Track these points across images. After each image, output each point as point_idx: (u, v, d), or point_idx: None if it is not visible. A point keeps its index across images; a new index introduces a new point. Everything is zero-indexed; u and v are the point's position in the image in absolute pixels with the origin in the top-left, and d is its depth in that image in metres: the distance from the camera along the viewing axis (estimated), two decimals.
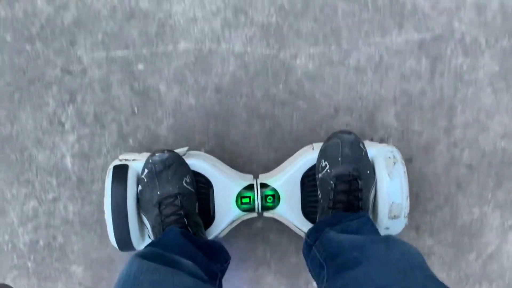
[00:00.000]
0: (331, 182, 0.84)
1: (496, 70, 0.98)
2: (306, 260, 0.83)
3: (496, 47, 0.97)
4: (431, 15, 0.97)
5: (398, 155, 0.90)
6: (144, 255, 0.65)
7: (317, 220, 0.88)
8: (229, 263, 0.87)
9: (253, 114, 1.00)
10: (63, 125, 0.99)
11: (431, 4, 0.96)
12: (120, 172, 0.87)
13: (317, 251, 0.76)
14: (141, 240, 0.90)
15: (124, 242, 0.87)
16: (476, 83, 0.98)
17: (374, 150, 0.91)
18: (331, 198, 0.83)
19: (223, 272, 0.85)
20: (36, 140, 0.99)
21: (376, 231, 0.78)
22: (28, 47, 0.97)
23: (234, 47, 0.97)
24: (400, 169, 0.88)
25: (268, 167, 1.00)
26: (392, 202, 0.86)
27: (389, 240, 0.65)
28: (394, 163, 0.88)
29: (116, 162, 0.89)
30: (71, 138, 1.00)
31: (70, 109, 0.98)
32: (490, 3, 0.96)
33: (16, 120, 0.98)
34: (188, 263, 0.71)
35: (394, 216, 0.87)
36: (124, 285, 0.59)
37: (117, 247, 0.88)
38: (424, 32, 0.97)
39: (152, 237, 0.87)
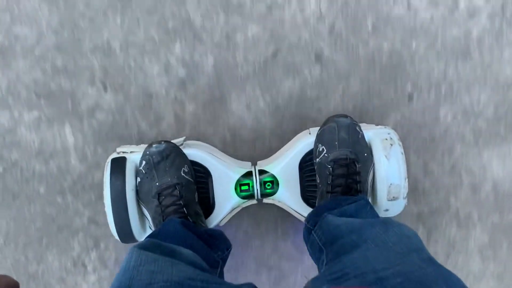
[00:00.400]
0: (329, 166, 0.84)
1: (486, 241, 1.08)
2: (307, 245, 0.84)
3: (487, 221, 1.07)
4: (430, 191, 1.06)
5: (395, 137, 0.90)
6: (143, 246, 0.66)
7: (316, 205, 0.88)
8: (230, 250, 0.88)
9: None
10: (85, 267, 1.06)
11: (431, 182, 1.05)
12: (118, 164, 0.87)
13: (316, 236, 0.76)
14: (143, 232, 0.90)
15: (125, 234, 0.88)
16: (466, 251, 1.08)
17: (371, 133, 0.90)
18: (329, 182, 0.83)
19: (224, 260, 0.85)
20: (60, 279, 1.06)
21: (374, 214, 0.78)
22: (59, 199, 1.04)
23: None
24: (397, 150, 0.88)
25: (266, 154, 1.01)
26: (391, 184, 0.86)
27: (386, 223, 0.65)
28: (391, 144, 0.88)
29: (114, 155, 0.90)
30: (92, 278, 1.06)
31: (93, 254, 1.05)
32: (484, 184, 1.06)
33: (42, 260, 1.05)
34: (188, 252, 0.71)
35: (393, 197, 0.87)
36: (123, 276, 0.59)
37: (118, 239, 0.89)
38: (422, 205, 1.06)
39: (153, 228, 0.88)
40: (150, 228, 0.90)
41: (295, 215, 0.95)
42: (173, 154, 0.87)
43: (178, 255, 0.67)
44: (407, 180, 0.88)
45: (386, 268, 0.53)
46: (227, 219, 0.95)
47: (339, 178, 0.83)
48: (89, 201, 1.03)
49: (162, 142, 0.88)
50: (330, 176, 0.83)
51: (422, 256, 0.57)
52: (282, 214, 0.99)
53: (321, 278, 0.61)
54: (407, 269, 0.52)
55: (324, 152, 0.86)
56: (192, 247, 0.74)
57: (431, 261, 0.55)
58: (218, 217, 0.93)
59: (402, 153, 0.88)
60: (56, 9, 0.97)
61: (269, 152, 1.00)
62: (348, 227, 0.69)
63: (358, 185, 0.83)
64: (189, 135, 1.00)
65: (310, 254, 0.83)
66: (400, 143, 0.89)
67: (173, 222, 0.80)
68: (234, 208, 0.94)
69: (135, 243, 0.72)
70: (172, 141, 0.90)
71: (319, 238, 0.75)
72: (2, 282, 0.42)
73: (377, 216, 0.79)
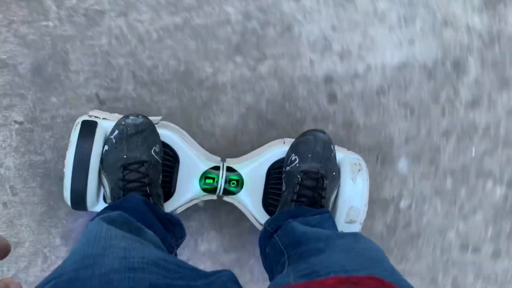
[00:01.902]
0: (299, 176, 0.85)
1: None
2: (263, 247, 0.84)
3: None
4: None
5: (363, 164, 0.93)
6: (111, 220, 0.63)
7: (277, 212, 0.89)
8: (184, 239, 0.86)
9: None
10: None
11: None
12: (89, 128, 0.84)
13: (279, 239, 0.77)
14: (96, 202, 0.86)
15: (79, 200, 0.83)
16: None
17: (342, 155, 0.93)
18: (296, 191, 0.85)
19: (177, 247, 0.84)
20: None
21: (336, 229, 0.80)
22: None
23: None
24: (364, 176, 0.91)
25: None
26: (352, 206, 0.89)
27: (356, 235, 0.67)
28: (359, 170, 0.91)
29: (85, 117, 0.86)
30: None
31: None
32: None
33: None
34: (150, 233, 0.69)
35: (351, 220, 0.90)
36: (95, 245, 0.56)
37: (69, 204, 0.85)
38: None
39: (108, 200, 0.84)
40: (105, 200, 0.86)
41: (250, 219, 0.95)
42: (148, 130, 0.85)
43: (144, 235, 0.65)
44: (366, 207, 0.91)
45: (357, 269, 0.54)
46: (183, 209, 0.93)
47: (306, 189, 0.85)
48: None
49: (140, 116, 0.85)
50: (298, 186, 0.85)
51: (392, 265, 0.59)
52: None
53: (287, 275, 0.60)
54: (380, 273, 0.53)
55: (296, 161, 0.87)
56: (151, 227, 0.72)
57: (399, 272, 0.57)
58: (176, 204, 0.91)
59: (367, 180, 0.91)
60: None
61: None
62: (315, 235, 0.70)
63: (323, 200, 0.85)
64: None
65: (265, 259, 0.83)
66: (367, 171, 0.92)
67: (136, 198, 0.77)
68: (193, 199, 0.93)
69: (101, 214, 0.69)
70: (149, 117, 0.87)
71: (282, 241, 0.76)
72: None
73: (338, 230, 0.81)
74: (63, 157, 0.84)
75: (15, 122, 0.95)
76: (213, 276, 0.56)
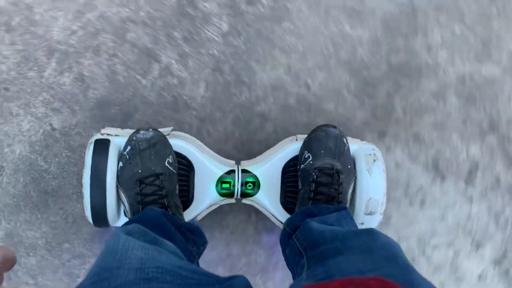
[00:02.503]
0: (313, 173, 0.85)
1: None
2: (284, 248, 0.84)
3: None
4: None
5: (379, 154, 0.92)
6: (129, 232, 0.64)
7: (296, 210, 0.89)
8: (205, 247, 0.87)
9: None
10: None
11: None
12: (102, 146, 0.85)
13: (297, 240, 0.77)
14: (117, 217, 0.88)
15: (100, 217, 0.85)
16: None
17: (356, 147, 0.93)
18: (312, 189, 0.84)
19: (199, 255, 0.85)
20: None
21: (354, 225, 0.80)
22: None
23: None
24: (380, 166, 0.90)
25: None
26: (370, 198, 0.88)
27: (371, 232, 0.66)
28: (374, 160, 0.90)
29: (98, 136, 0.87)
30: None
31: None
32: None
33: None
34: (169, 243, 0.70)
35: (370, 212, 0.89)
36: (112, 257, 0.58)
37: (91, 222, 0.87)
38: None
39: (128, 215, 0.86)
40: (125, 214, 0.88)
41: (271, 219, 0.96)
42: (160, 143, 0.86)
43: (162, 244, 0.66)
44: (385, 197, 0.90)
45: (372, 269, 0.54)
46: (204, 215, 0.94)
47: (322, 186, 0.84)
48: None
49: (150, 129, 0.86)
50: (313, 183, 0.84)
51: (406, 262, 0.59)
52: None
53: (302, 280, 0.61)
54: (394, 272, 0.53)
55: (310, 159, 0.87)
56: (171, 238, 0.73)
57: (413, 268, 0.57)
58: (195, 211, 0.92)
59: (383, 170, 0.90)
60: None
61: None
62: (332, 234, 0.70)
63: (340, 195, 0.84)
64: None
65: (286, 259, 0.83)
66: (383, 161, 0.91)
67: (154, 211, 0.78)
68: (212, 205, 0.94)
69: (119, 228, 0.71)
70: (159, 129, 0.88)
71: (300, 242, 0.76)
72: None
73: (357, 227, 0.80)
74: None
75: (50, 125, 0.98)
76: (227, 282, 0.57)
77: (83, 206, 0.85)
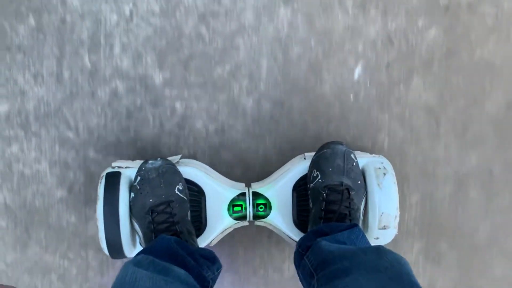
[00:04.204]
0: (323, 192, 0.85)
1: None
2: (297, 269, 0.84)
3: None
4: None
5: (389, 166, 0.91)
6: (137, 263, 0.65)
7: (308, 230, 0.89)
8: (220, 271, 0.88)
9: None
10: None
11: None
12: (113, 179, 0.87)
13: (308, 261, 0.77)
14: (133, 248, 0.89)
15: (116, 249, 0.87)
16: None
17: (365, 161, 0.92)
18: (322, 208, 0.84)
19: (214, 280, 0.85)
20: None
21: (366, 242, 0.79)
22: None
23: None
24: (390, 180, 0.89)
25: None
26: (382, 213, 0.87)
27: (379, 250, 0.66)
28: (384, 173, 0.89)
29: (109, 169, 0.90)
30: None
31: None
32: None
33: None
34: (180, 271, 0.71)
35: (384, 226, 0.88)
36: None
37: (108, 254, 0.88)
38: None
39: (143, 245, 0.87)
40: (141, 244, 0.89)
41: (286, 239, 0.96)
42: (169, 171, 0.87)
43: (171, 273, 0.67)
44: (398, 210, 0.89)
45: None
46: (218, 239, 0.95)
47: (332, 204, 0.84)
48: None
49: (158, 158, 0.88)
50: (324, 202, 0.84)
51: (412, 280, 0.58)
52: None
53: None
54: None
55: (319, 177, 0.87)
56: (183, 265, 0.74)
57: (419, 286, 0.57)
58: (209, 237, 0.93)
59: (394, 183, 0.89)
60: None
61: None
62: (341, 253, 0.70)
63: (351, 212, 0.84)
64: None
65: (300, 280, 0.83)
66: (393, 173, 0.90)
67: (166, 239, 0.79)
68: (226, 229, 0.95)
69: (129, 259, 0.72)
70: (168, 158, 0.90)
71: (311, 263, 0.75)
72: None
73: (369, 243, 0.79)
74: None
75: (87, 156, 1.01)
76: None
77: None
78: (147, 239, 0.84)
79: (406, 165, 1.04)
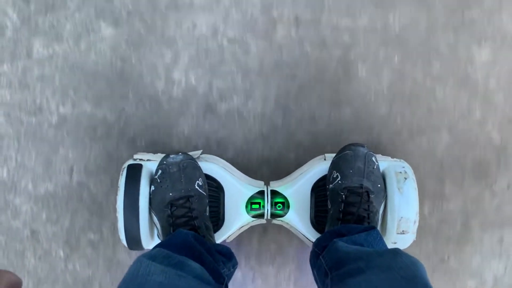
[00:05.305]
0: (342, 193, 0.84)
1: None
2: (313, 269, 0.84)
3: None
4: None
5: (410, 171, 0.90)
6: (151, 256, 0.66)
7: (325, 230, 0.88)
8: (236, 268, 0.88)
9: None
10: None
11: None
12: (134, 171, 0.88)
13: (324, 260, 0.76)
14: (151, 240, 0.91)
15: (134, 240, 0.88)
16: None
17: (386, 164, 0.91)
18: (341, 209, 0.84)
19: (229, 277, 0.85)
20: None
21: (383, 244, 0.79)
22: None
23: None
24: (411, 185, 0.88)
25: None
26: (401, 217, 0.87)
27: (395, 252, 0.66)
28: (405, 178, 0.88)
29: (131, 161, 0.91)
30: None
31: None
32: None
33: None
34: (195, 265, 0.71)
35: (403, 231, 0.87)
36: (132, 282, 0.60)
37: (126, 245, 0.89)
38: None
39: (161, 237, 0.88)
40: (159, 237, 0.90)
41: (302, 239, 0.96)
42: (189, 166, 0.88)
43: (186, 267, 0.68)
44: (418, 215, 0.88)
45: None
46: (235, 236, 0.95)
47: (351, 206, 0.84)
48: None
49: (180, 153, 0.89)
50: (342, 204, 0.84)
51: (426, 283, 0.58)
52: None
53: None
54: None
55: (338, 179, 0.86)
56: (200, 260, 0.75)
57: None
58: (226, 233, 0.93)
59: (415, 188, 0.88)
60: None
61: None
62: (357, 254, 0.70)
63: (369, 214, 0.83)
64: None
65: (315, 279, 0.83)
66: (414, 178, 0.89)
67: (183, 233, 0.80)
68: (243, 226, 0.95)
69: (143, 252, 0.73)
70: (189, 153, 0.91)
71: (326, 262, 0.75)
72: (4, 279, 0.41)
73: (386, 247, 0.79)
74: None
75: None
76: None
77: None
78: (165, 232, 0.85)
79: None
